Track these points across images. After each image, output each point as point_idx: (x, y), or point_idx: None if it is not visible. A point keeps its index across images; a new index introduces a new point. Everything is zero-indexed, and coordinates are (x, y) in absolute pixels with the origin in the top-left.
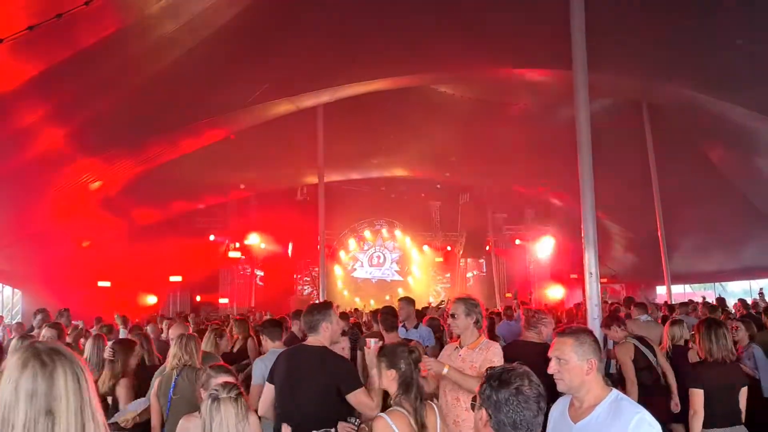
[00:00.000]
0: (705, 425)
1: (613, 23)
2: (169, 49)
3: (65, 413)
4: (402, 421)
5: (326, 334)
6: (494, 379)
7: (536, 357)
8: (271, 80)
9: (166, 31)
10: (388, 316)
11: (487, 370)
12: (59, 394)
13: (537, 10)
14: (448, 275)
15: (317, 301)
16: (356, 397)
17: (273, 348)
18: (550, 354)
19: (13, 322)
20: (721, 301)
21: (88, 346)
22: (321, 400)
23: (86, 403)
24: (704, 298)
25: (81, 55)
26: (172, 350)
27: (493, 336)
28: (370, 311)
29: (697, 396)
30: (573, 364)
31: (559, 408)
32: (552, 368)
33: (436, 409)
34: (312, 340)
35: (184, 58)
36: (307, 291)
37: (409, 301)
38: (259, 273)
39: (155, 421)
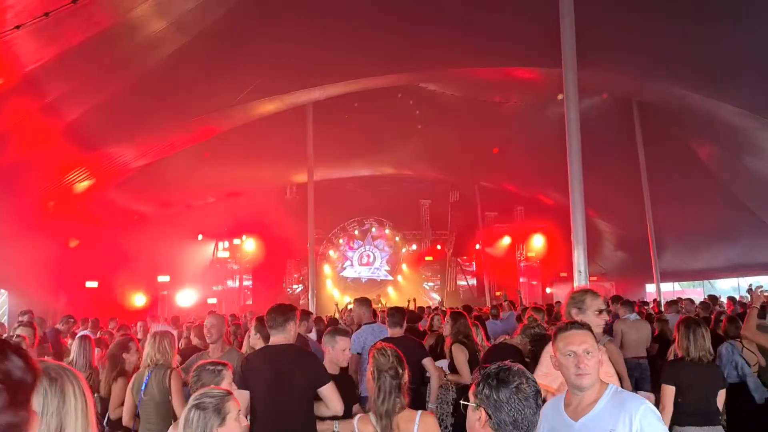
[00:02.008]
0: (681, 423)
1: (602, 22)
2: (158, 47)
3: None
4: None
5: (291, 334)
6: (492, 378)
7: None
8: (261, 78)
9: (154, 30)
10: (394, 313)
11: (480, 369)
12: (69, 408)
13: (527, 9)
14: (438, 274)
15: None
16: (327, 390)
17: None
18: (573, 348)
19: None
20: (712, 298)
21: (74, 347)
22: (306, 398)
23: (90, 425)
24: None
25: (69, 53)
26: (146, 349)
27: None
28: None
29: (668, 392)
30: (596, 356)
31: (550, 408)
32: (586, 363)
33: (417, 416)
34: (281, 338)
35: (173, 56)
36: (297, 290)
37: (361, 301)
38: (248, 274)
39: (126, 417)
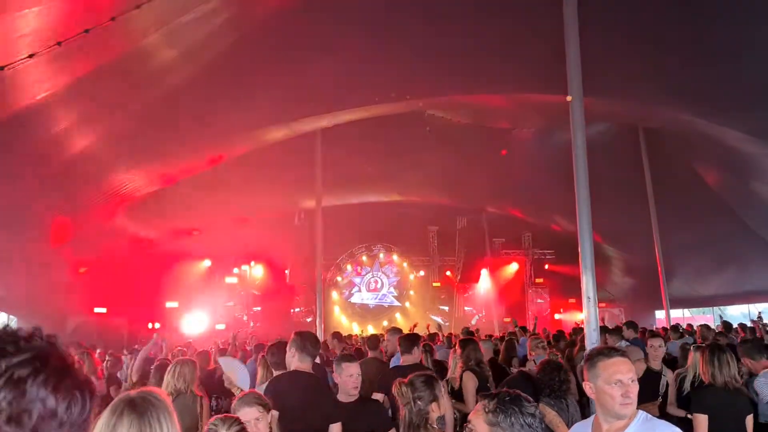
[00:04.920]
0: None
1: (608, 49)
2: (168, 75)
3: None
4: None
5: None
6: (511, 403)
7: None
8: (270, 105)
9: (164, 58)
10: (404, 341)
11: (482, 396)
12: None
13: (533, 36)
14: (446, 300)
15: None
16: (335, 429)
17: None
18: (620, 377)
19: None
20: (726, 325)
21: None
22: (323, 428)
23: None
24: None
25: (80, 81)
26: (165, 378)
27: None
28: (364, 336)
29: (701, 421)
30: (637, 384)
31: None
32: (634, 392)
33: None
34: (307, 366)
35: (183, 84)
36: (308, 320)
37: (394, 331)
38: (256, 300)
39: None
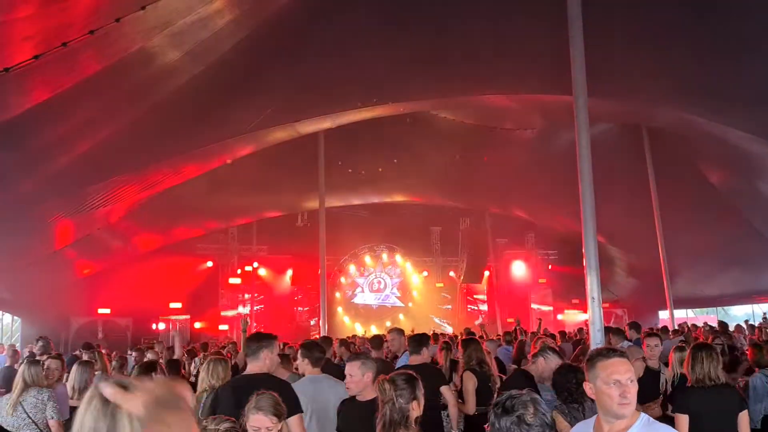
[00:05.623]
0: None
1: (612, 49)
2: (172, 76)
3: None
4: None
5: (267, 363)
6: (498, 407)
7: None
8: (273, 106)
9: (168, 59)
10: (413, 341)
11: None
12: None
13: (537, 36)
14: (449, 300)
15: (260, 332)
16: (291, 422)
17: (311, 374)
18: (618, 377)
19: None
20: (723, 325)
21: (74, 371)
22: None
23: None
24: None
25: (85, 82)
26: (201, 375)
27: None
28: (364, 337)
29: (682, 421)
30: (636, 384)
31: None
32: (631, 392)
33: None
34: (255, 367)
35: (187, 85)
36: (311, 322)
37: (399, 331)
38: (259, 300)
39: None
